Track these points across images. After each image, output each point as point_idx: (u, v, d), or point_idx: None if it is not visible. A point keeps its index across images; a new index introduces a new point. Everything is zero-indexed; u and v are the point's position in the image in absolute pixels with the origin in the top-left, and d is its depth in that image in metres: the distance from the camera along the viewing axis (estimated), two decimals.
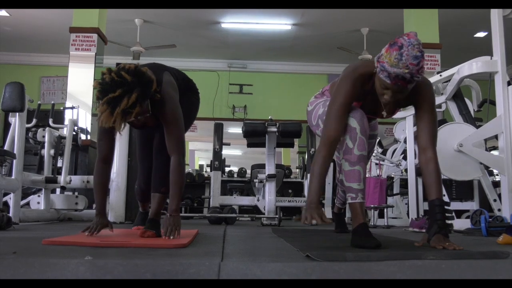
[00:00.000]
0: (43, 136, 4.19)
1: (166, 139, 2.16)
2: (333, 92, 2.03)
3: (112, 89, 1.90)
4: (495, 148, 4.12)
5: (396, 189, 4.76)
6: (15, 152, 3.28)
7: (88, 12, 5.06)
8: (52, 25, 7.36)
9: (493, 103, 3.25)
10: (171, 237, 1.97)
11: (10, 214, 3.03)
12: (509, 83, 3.06)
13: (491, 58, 3.13)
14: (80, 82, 5.04)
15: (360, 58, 7.35)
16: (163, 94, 2.11)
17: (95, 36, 5.06)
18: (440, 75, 3.64)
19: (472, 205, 4.10)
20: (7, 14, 7.14)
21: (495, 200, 3.27)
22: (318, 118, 2.23)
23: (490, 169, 3.57)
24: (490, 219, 2.76)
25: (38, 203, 4.17)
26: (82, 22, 5.06)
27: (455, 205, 3.96)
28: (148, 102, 2.02)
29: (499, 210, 3.16)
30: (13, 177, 3.28)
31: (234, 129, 9.39)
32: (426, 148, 2.00)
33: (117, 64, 2.10)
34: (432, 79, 3.54)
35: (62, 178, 3.93)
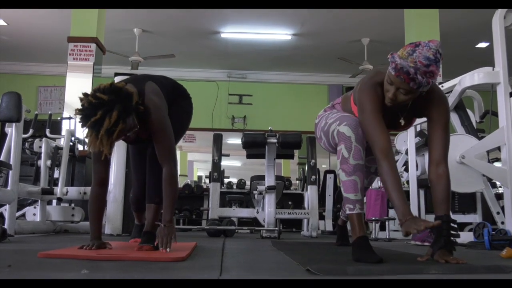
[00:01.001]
0: (40, 147, 4.15)
1: (156, 149, 2.12)
2: (358, 106, 1.96)
3: (92, 112, 1.87)
4: (497, 159, 4.09)
5: None
6: (11, 162, 3.24)
7: (87, 22, 5.05)
8: (50, 34, 7.36)
9: (495, 114, 3.22)
10: (167, 250, 1.93)
11: (5, 226, 2.97)
12: (511, 94, 3.03)
13: (493, 69, 3.10)
14: (78, 92, 4.98)
15: (360, 68, 7.33)
16: (147, 104, 2.07)
17: (93, 46, 5.03)
18: (442, 86, 3.61)
19: (475, 218, 4.05)
20: (5, 24, 7.13)
21: (498, 213, 3.22)
22: (321, 131, 2.20)
23: (493, 181, 3.52)
24: (493, 232, 2.72)
25: (34, 214, 4.11)
26: (80, 31, 5.04)
27: (458, 218, 3.90)
28: (133, 117, 1.97)
29: (502, 223, 3.11)
30: (8, 188, 3.22)
31: (234, 140, 9.35)
32: (439, 163, 1.97)
33: (116, 74, 2.07)
34: None
35: (58, 190, 3.88)
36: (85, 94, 1.93)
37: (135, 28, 7.20)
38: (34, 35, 7.52)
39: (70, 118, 4.67)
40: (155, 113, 2.10)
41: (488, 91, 3.24)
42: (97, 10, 5.06)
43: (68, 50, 5.02)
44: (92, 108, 1.88)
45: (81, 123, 1.93)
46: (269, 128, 4.53)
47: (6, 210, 3.29)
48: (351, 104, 2.12)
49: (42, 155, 4.11)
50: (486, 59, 3.32)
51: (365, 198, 2.09)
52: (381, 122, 1.89)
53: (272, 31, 7.49)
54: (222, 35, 7.57)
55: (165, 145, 2.11)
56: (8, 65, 8.70)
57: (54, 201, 4.27)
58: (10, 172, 3.24)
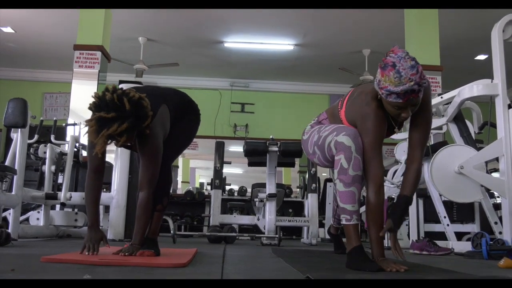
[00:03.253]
0: (45, 152, 4.20)
1: (140, 171, 2.17)
2: (363, 130, 1.96)
3: (106, 109, 1.90)
4: (495, 170, 4.12)
5: None
6: (16, 167, 3.28)
7: (93, 30, 5.12)
8: (56, 42, 7.44)
9: (493, 125, 3.26)
10: (126, 254, 2.04)
11: (9, 230, 3.02)
12: (509, 106, 3.07)
13: (491, 81, 3.15)
14: (83, 99, 5.05)
15: (361, 79, 7.39)
16: (150, 129, 2.10)
17: (98, 54, 5.10)
18: (441, 97, 3.66)
19: (473, 227, 4.08)
20: (12, 31, 7.22)
21: (496, 223, 3.25)
22: (314, 145, 2.14)
23: (491, 191, 3.56)
24: (491, 242, 2.75)
25: (38, 219, 4.16)
26: (86, 39, 5.11)
27: (456, 227, 3.94)
28: (135, 134, 2.03)
29: (500, 233, 3.14)
30: (13, 192, 3.27)
31: (235, 148, 9.39)
32: (415, 160, 2.04)
33: (120, 81, 2.11)
34: (433, 101, 3.55)
35: (62, 195, 3.92)
36: (113, 88, 1.97)
37: (140, 37, 7.28)
38: (40, 42, 7.61)
39: (74, 124, 4.73)
40: (151, 142, 2.14)
41: (487, 103, 3.28)
42: (103, 18, 5.14)
43: (74, 58, 5.09)
44: (109, 106, 1.91)
45: (90, 108, 1.96)
46: (271, 137, 4.58)
47: (10, 214, 3.34)
48: (343, 122, 2.10)
49: (47, 161, 4.16)
50: (485, 71, 3.36)
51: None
52: (381, 153, 1.98)
53: (275, 41, 7.56)
54: (226, 45, 7.65)
55: (149, 171, 2.15)
56: (15, 72, 8.79)
57: (58, 206, 4.32)
58: (15, 177, 3.29)
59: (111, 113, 1.89)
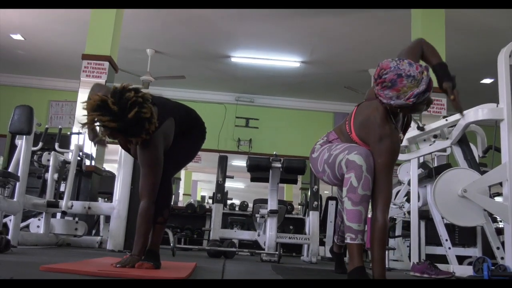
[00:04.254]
0: (48, 160, 4.21)
1: (140, 180, 2.19)
2: (388, 152, 1.99)
3: (118, 101, 1.96)
4: (498, 194, 4.10)
5: (398, 231, 4.71)
6: (19, 174, 3.29)
7: (101, 40, 5.16)
8: (65, 51, 7.51)
9: (498, 150, 3.25)
10: (118, 266, 2.02)
11: (9, 237, 3.01)
12: None
13: (497, 106, 3.14)
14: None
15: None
16: (152, 138, 2.12)
17: (106, 64, 5.14)
18: (446, 120, 3.65)
19: (474, 252, 4.04)
20: (22, 38, 7.30)
21: (498, 248, 3.22)
22: (324, 163, 2.14)
23: (494, 215, 3.53)
24: (493, 268, 2.72)
25: (38, 226, 4.15)
26: (95, 49, 5.15)
27: (458, 251, 3.91)
28: (126, 138, 2.08)
29: (502, 258, 3.11)
30: (15, 199, 3.27)
31: (239, 162, 9.40)
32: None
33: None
34: (438, 123, 3.56)
35: (63, 203, 3.92)
36: (136, 93, 2.00)
37: (148, 48, 7.34)
38: (49, 50, 7.68)
39: (79, 133, 4.74)
40: (150, 149, 2.15)
41: (491, 126, 3.28)
42: (112, 29, 5.18)
43: (82, 67, 5.13)
44: (121, 102, 1.95)
45: (112, 90, 2.00)
46: (274, 153, 4.58)
47: (11, 221, 3.34)
48: (355, 141, 2.10)
49: (50, 168, 4.16)
50: (490, 94, 3.36)
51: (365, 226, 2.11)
52: (392, 174, 2.02)
53: (281, 58, 7.61)
54: (232, 59, 7.70)
55: (149, 180, 2.17)
56: (22, 79, 8.87)
57: (59, 214, 4.32)
58: (17, 183, 3.29)
59: (115, 107, 1.93)
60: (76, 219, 4.51)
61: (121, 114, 1.94)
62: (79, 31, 6.27)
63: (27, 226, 4.22)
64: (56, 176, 4.18)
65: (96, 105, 1.95)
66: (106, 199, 5.54)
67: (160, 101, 2.29)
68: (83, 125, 2.02)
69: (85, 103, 2.00)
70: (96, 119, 1.97)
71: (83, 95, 5.08)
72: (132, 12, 5.95)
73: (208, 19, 6.43)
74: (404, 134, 2.16)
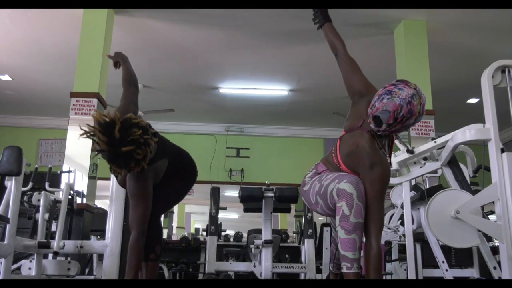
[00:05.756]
0: (38, 200, 4.16)
1: (130, 211, 2.19)
2: (379, 191, 2.01)
3: (122, 130, 2.02)
4: (492, 212, 4.11)
5: (394, 255, 4.68)
6: (9, 216, 3.25)
7: (89, 78, 5.18)
8: (53, 89, 7.54)
9: (487, 169, 3.27)
10: None
11: None
12: (502, 150, 3.09)
13: (483, 126, 3.18)
14: (78, 145, 5.06)
15: None
16: (142, 172, 2.13)
17: (95, 101, 5.14)
18: (435, 142, 3.69)
19: (472, 272, 4.03)
20: (10, 79, 7.32)
21: (495, 268, 3.22)
22: (316, 195, 2.13)
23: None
24: None
25: (30, 268, 4.06)
26: (83, 87, 5.16)
27: (455, 272, 3.89)
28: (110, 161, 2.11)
29: (499, 278, 3.10)
30: (5, 242, 3.22)
31: (231, 192, 9.37)
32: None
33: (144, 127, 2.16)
34: (427, 146, 3.59)
35: (55, 243, 3.86)
36: (145, 131, 2.05)
37: None
38: (37, 90, 7.70)
39: (69, 171, 4.71)
40: (139, 181, 2.17)
41: (480, 145, 3.31)
42: (100, 66, 5.21)
43: (71, 105, 5.13)
44: (125, 135, 1.98)
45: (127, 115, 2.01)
46: (266, 182, 4.57)
47: (1, 264, 3.27)
48: (345, 171, 2.11)
49: (41, 209, 4.11)
50: (477, 113, 3.41)
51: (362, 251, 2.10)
52: (384, 201, 2.06)
53: (269, 87, 7.68)
54: (221, 91, 7.75)
55: (137, 211, 2.18)
56: (11, 119, 8.85)
57: (50, 255, 4.25)
58: (8, 225, 3.24)
59: (118, 134, 1.94)
60: (69, 259, 4.43)
61: (118, 143, 1.96)
62: (67, 70, 6.30)
63: (19, 268, 4.14)
64: (47, 216, 4.12)
65: (104, 122, 1.97)
66: (98, 237, 5.46)
67: (162, 140, 2.33)
68: (82, 133, 2.04)
69: (97, 112, 2.03)
70: (94, 133, 1.99)
71: (72, 133, 5.08)
72: (119, 49, 6.01)
73: (195, 52, 6.51)
74: (390, 156, 2.18)
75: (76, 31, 5.31)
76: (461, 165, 3.74)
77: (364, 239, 2.07)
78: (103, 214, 5.24)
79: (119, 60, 2.83)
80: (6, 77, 7.28)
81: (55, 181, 4.89)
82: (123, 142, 1.97)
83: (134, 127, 2.00)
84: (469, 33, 5.76)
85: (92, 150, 2.13)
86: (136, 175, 2.14)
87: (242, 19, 5.55)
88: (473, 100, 7.81)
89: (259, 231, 4.68)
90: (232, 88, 7.70)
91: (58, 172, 5.05)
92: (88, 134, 2.04)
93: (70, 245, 4.05)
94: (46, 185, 4.50)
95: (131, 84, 2.63)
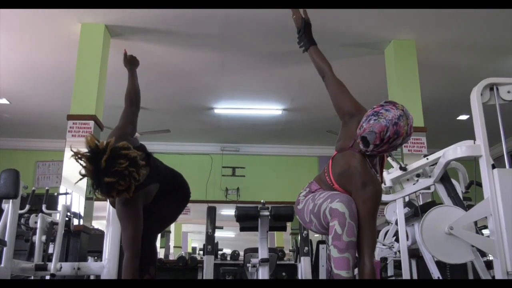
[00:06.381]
0: (36, 222, 4.18)
1: (121, 234, 2.22)
2: (371, 211, 2.05)
3: (109, 161, 2.04)
4: (485, 227, 4.15)
5: (390, 271, 4.70)
6: (6, 239, 3.27)
7: (86, 100, 5.24)
8: (50, 112, 7.59)
9: (479, 184, 3.33)
10: None
11: None
12: (493, 166, 3.15)
13: (474, 143, 3.25)
14: (75, 167, 5.08)
15: None
16: (132, 197, 2.16)
17: (91, 123, 5.19)
18: (427, 159, 3.74)
19: None
20: (8, 102, 7.38)
21: None
22: (310, 214, 2.16)
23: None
24: None
25: None
26: (80, 109, 5.22)
27: None
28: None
29: None
30: (2, 265, 3.23)
31: (227, 211, 9.37)
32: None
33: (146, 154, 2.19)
34: (419, 163, 3.64)
35: (52, 266, 3.86)
36: (133, 162, 2.06)
37: None
38: (34, 113, 7.75)
39: (66, 193, 4.74)
40: (128, 205, 2.19)
41: (471, 161, 3.37)
42: (96, 88, 5.28)
43: (67, 127, 5.17)
44: (111, 165, 2.02)
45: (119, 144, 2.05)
46: (262, 201, 4.60)
47: None
48: (338, 190, 2.14)
49: (38, 231, 4.12)
50: (467, 129, 3.49)
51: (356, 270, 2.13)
52: (376, 219, 2.10)
53: (263, 106, 7.77)
54: (216, 111, 7.82)
55: (128, 232, 2.21)
56: (8, 141, 8.88)
57: (48, 277, 4.24)
58: (5, 248, 3.26)
59: (104, 164, 1.97)
60: None
61: (102, 173, 2.00)
62: (64, 92, 6.37)
63: None
64: (44, 238, 4.13)
65: (95, 148, 2.00)
66: (96, 258, 5.45)
67: (155, 164, 2.36)
68: (71, 155, 2.07)
69: (90, 136, 2.05)
70: (81, 157, 2.02)
71: (69, 155, 5.12)
72: (115, 72, 6.10)
73: (190, 73, 6.60)
74: (381, 174, 2.23)
75: (73, 54, 5.39)
76: (454, 181, 3.79)
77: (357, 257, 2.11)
78: (100, 235, 5.24)
79: (129, 65, 2.84)
80: (4, 101, 7.33)
81: (52, 203, 4.91)
82: (107, 173, 2.00)
83: (122, 158, 2.02)
84: (458, 51, 5.89)
85: (79, 173, 2.16)
86: (124, 199, 2.17)
87: (236, 40, 5.66)
88: (463, 117, 7.92)
89: (255, 250, 4.69)
90: (227, 108, 7.77)
91: (55, 194, 5.07)
92: (76, 158, 2.08)
93: (67, 267, 4.05)
94: (43, 207, 4.52)
95: (133, 102, 2.67)
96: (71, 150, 2.07)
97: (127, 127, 2.48)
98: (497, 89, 3.15)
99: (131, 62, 2.84)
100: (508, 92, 3.15)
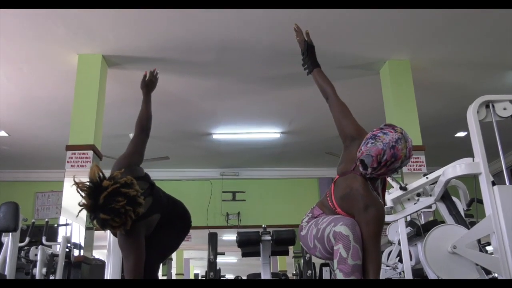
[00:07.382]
0: (36, 255, 4.15)
1: (123, 264, 2.21)
2: (374, 233, 2.03)
3: (107, 197, 2.02)
4: (488, 243, 4.11)
5: None
6: (6, 273, 3.24)
7: (84, 130, 5.25)
8: (48, 143, 7.61)
9: (480, 201, 3.32)
10: None
11: None
12: (493, 183, 3.15)
13: (473, 160, 3.25)
14: (75, 197, 5.04)
15: None
16: (134, 227, 2.16)
17: (90, 153, 5.19)
18: (427, 178, 3.74)
19: None
20: (6, 134, 7.40)
21: None
22: (314, 239, 2.13)
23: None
24: None
25: None
26: (78, 140, 5.22)
27: None
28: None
29: None
30: None
31: (229, 236, 9.32)
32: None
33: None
34: (419, 182, 3.64)
35: None
36: (132, 201, 2.06)
37: (131, 133, 7.41)
38: (33, 144, 7.77)
39: (66, 224, 4.71)
40: (130, 236, 2.19)
41: (471, 177, 3.36)
42: (94, 118, 5.29)
43: (66, 158, 5.17)
44: (108, 202, 2.00)
45: (116, 176, 2.06)
46: (263, 226, 4.59)
47: None
48: (341, 214, 2.13)
49: (38, 263, 4.09)
50: (465, 146, 3.49)
51: None
52: (380, 242, 2.06)
53: (261, 130, 7.79)
54: (214, 136, 7.85)
55: (130, 262, 2.20)
56: (8, 173, 8.88)
57: None
58: None
59: (102, 201, 1.97)
60: None
61: (99, 208, 2.00)
62: (62, 123, 6.39)
63: None
64: (44, 270, 4.10)
65: (96, 184, 2.01)
66: None
67: (158, 194, 2.37)
68: (73, 184, 2.07)
69: (94, 168, 2.05)
70: (82, 189, 2.02)
71: (68, 185, 5.10)
72: (113, 101, 6.14)
73: (188, 100, 6.64)
74: (383, 197, 2.23)
75: (71, 85, 5.42)
76: (455, 199, 3.78)
77: None
78: (101, 265, 5.19)
79: (146, 89, 2.84)
80: (3, 133, 7.36)
81: (52, 234, 4.88)
82: (103, 209, 2.01)
83: (120, 196, 2.02)
84: (453, 69, 5.95)
85: (78, 204, 2.16)
86: (128, 232, 2.16)
87: (232, 66, 5.71)
88: (461, 134, 7.95)
89: (258, 275, 4.65)
90: (225, 133, 7.80)
91: (55, 225, 5.04)
92: (77, 189, 2.08)
93: None
94: (43, 239, 4.49)
95: (143, 130, 2.65)
96: (74, 181, 2.07)
97: (134, 156, 2.47)
98: (493, 106, 3.17)
99: (148, 86, 2.83)
100: (504, 108, 3.17)
